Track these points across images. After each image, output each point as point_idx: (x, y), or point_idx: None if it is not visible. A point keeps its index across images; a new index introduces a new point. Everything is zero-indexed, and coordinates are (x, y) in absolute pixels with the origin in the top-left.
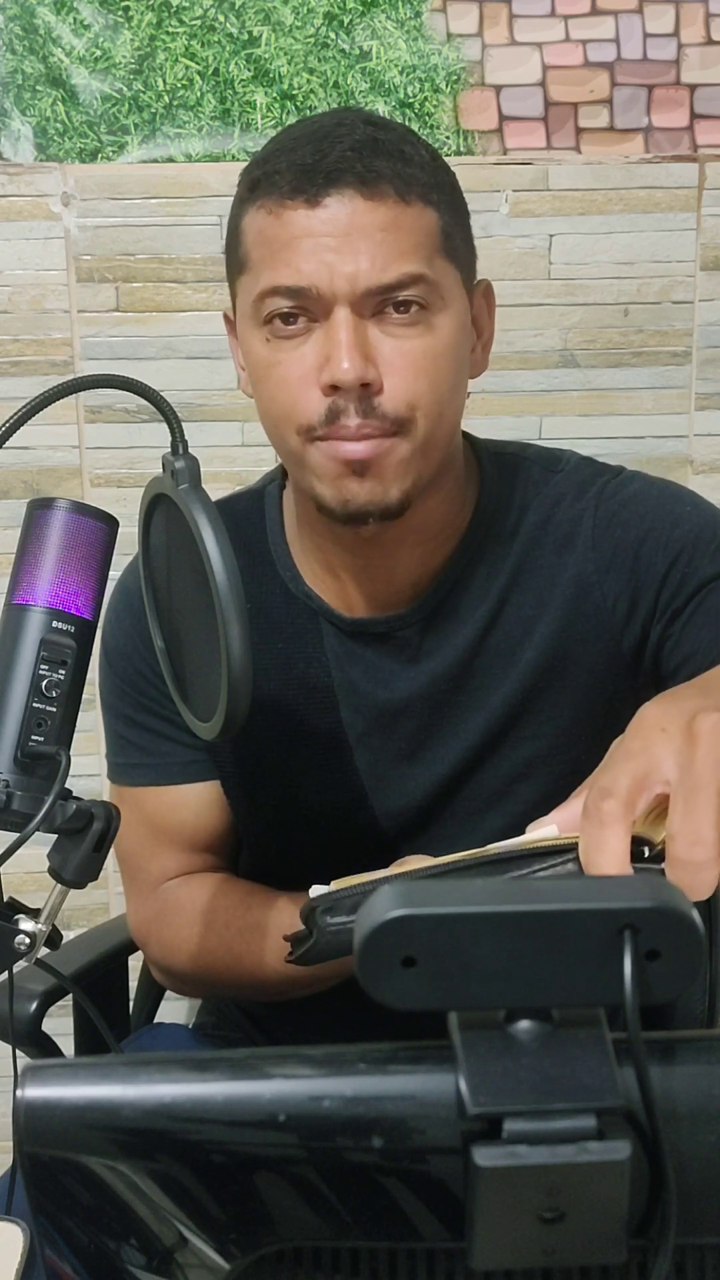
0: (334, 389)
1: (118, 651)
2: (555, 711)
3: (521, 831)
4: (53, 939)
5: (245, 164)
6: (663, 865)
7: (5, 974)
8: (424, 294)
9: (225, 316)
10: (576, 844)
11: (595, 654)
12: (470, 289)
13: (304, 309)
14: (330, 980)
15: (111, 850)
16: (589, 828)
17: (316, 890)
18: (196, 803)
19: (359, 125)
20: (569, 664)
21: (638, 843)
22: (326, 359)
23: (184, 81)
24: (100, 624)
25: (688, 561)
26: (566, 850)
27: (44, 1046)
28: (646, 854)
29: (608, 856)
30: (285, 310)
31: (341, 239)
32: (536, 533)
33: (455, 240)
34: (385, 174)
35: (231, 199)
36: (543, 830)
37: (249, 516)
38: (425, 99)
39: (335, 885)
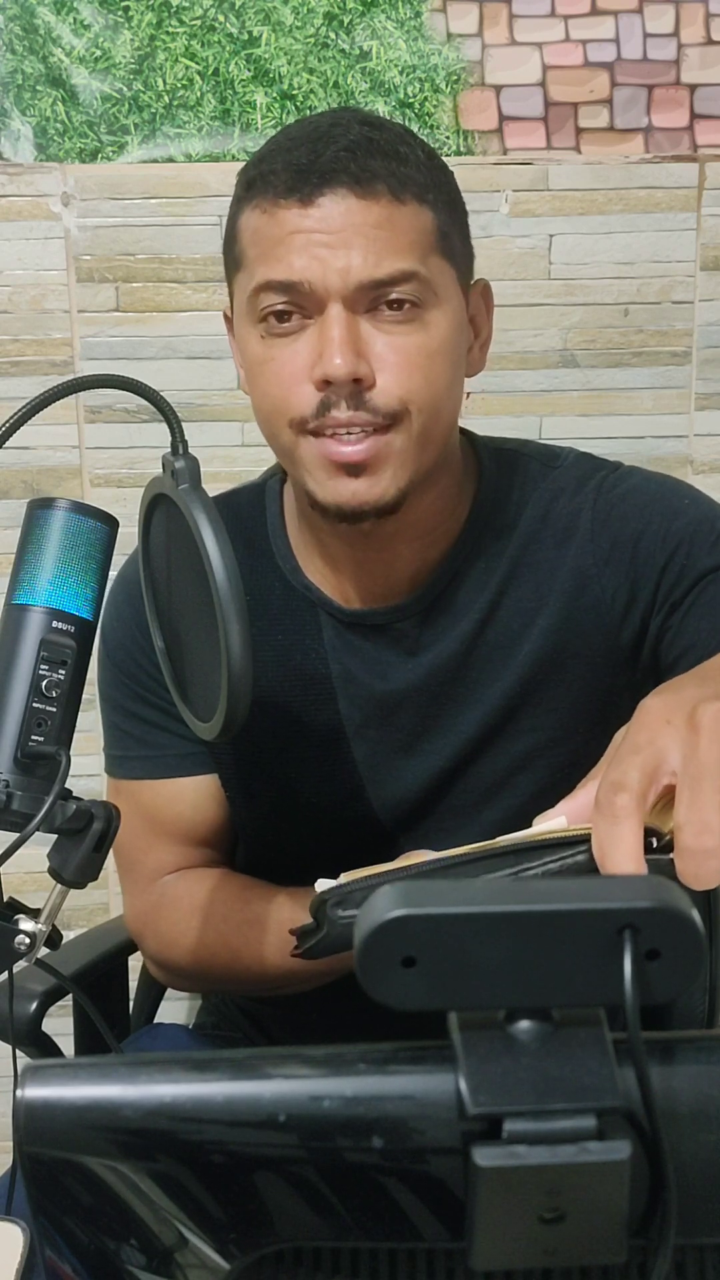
0: (326, 384)
1: (116, 643)
2: (553, 704)
3: (519, 823)
4: (53, 939)
5: (244, 164)
6: (671, 855)
7: (5, 974)
8: (417, 291)
9: (225, 315)
10: (587, 836)
11: (594, 647)
12: (467, 287)
13: (297, 305)
14: (330, 975)
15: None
16: (603, 823)
17: (323, 884)
18: (194, 795)
19: (354, 125)
20: (567, 657)
21: (646, 834)
22: (319, 355)
23: (184, 81)
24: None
25: (686, 553)
26: (577, 842)
27: (44, 1046)
28: (654, 844)
29: (623, 851)
30: (279, 307)
31: (335, 235)
32: (535, 526)
33: (452, 240)
34: (379, 173)
35: (231, 199)
36: (551, 822)
37: (250, 510)
38: (425, 99)
39: (344, 878)
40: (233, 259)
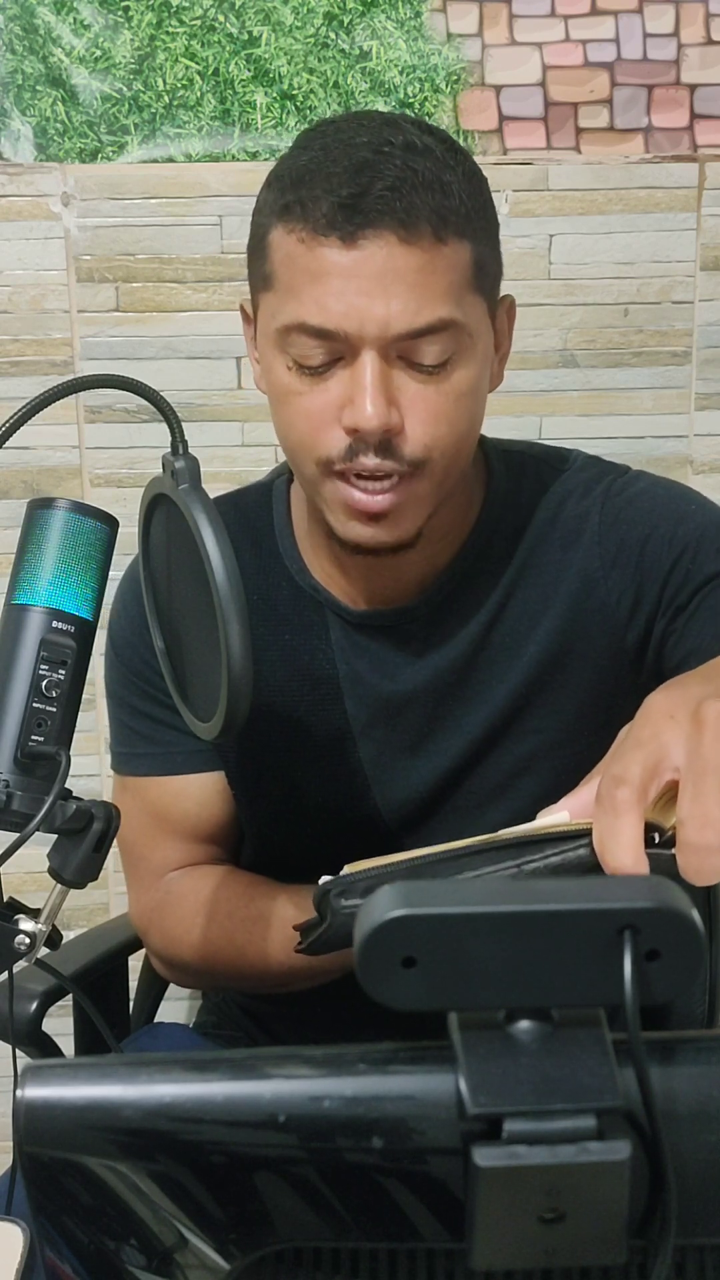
0: (355, 431)
1: (124, 641)
2: (558, 706)
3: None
4: (53, 939)
5: (248, 162)
6: (673, 850)
7: (5, 974)
8: (452, 341)
9: (242, 310)
10: (588, 830)
11: (599, 649)
12: (495, 311)
13: (330, 348)
14: (332, 973)
15: (113, 846)
16: (603, 816)
17: (326, 880)
18: (200, 793)
19: (397, 153)
20: (572, 659)
21: (648, 829)
22: (350, 400)
23: (184, 81)
24: (108, 613)
25: (692, 558)
26: (579, 836)
27: (44, 1046)
28: (657, 839)
29: (623, 844)
30: (310, 356)
31: (374, 282)
32: (543, 529)
33: (486, 267)
34: (423, 213)
35: (231, 198)
36: (554, 816)
37: (257, 509)
38: (425, 99)
39: (347, 870)
40: (261, 273)
